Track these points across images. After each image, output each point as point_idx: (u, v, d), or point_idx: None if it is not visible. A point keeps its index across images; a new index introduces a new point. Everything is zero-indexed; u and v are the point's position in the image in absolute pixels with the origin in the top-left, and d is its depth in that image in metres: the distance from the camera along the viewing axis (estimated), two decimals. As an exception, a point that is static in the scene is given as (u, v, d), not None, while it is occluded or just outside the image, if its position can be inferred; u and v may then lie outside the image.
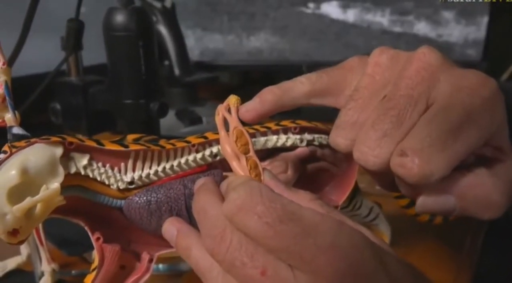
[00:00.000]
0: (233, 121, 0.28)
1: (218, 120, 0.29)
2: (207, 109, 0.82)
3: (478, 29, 0.91)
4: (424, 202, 0.25)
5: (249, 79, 1.18)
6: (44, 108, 0.57)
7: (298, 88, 0.29)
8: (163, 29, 0.79)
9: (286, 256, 0.21)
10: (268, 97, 0.29)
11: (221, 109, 0.29)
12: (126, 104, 0.46)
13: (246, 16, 0.94)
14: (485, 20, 0.91)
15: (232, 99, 0.29)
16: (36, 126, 0.36)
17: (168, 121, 0.64)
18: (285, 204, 0.22)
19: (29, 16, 0.41)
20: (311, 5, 0.94)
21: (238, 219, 0.22)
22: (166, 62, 0.83)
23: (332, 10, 0.94)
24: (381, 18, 0.93)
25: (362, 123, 0.26)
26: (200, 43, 0.97)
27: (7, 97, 0.30)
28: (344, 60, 0.83)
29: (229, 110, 0.29)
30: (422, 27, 0.92)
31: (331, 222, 0.22)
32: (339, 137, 0.26)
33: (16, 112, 0.31)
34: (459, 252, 0.48)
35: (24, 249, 0.41)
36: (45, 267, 0.39)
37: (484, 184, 0.25)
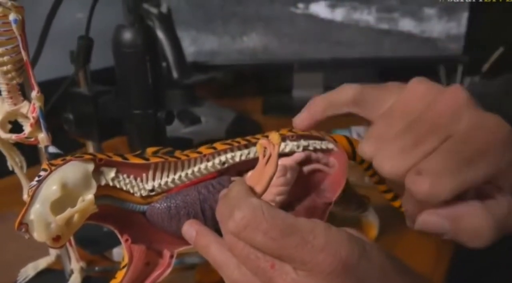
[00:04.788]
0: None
1: (260, 151, 0.33)
2: (205, 109, 0.86)
3: (459, 25, 0.96)
4: (423, 220, 0.29)
5: (243, 77, 1.22)
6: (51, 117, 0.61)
7: (343, 95, 0.32)
8: (160, 34, 0.83)
9: (289, 260, 0.26)
10: (317, 106, 0.33)
11: (267, 144, 0.33)
12: (135, 114, 0.51)
13: (239, 18, 0.98)
14: (465, 16, 0.95)
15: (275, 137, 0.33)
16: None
17: (170, 123, 0.69)
18: (284, 218, 0.26)
19: (45, 29, 0.45)
20: (300, 5, 0.98)
21: (245, 235, 0.26)
22: (164, 64, 0.86)
23: (320, 10, 0.98)
24: (368, 16, 0.97)
25: (388, 136, 0.29)
26: (195, 44, 1.00)
27: (41, 120, 0.34)
28: (331, 58, 0.91)
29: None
30: (406, 24, 0.97)
31: (321, 225, 0.26)
32: (366, 146, 0.29)
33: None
34: (439, 239, 0.53)
35: (53, 250, 0.46)
36: (74, 266, 0.44)
37: (477, 216, 0.28)
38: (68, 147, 0.38)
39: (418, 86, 0.30)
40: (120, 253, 0.50)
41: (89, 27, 0.50)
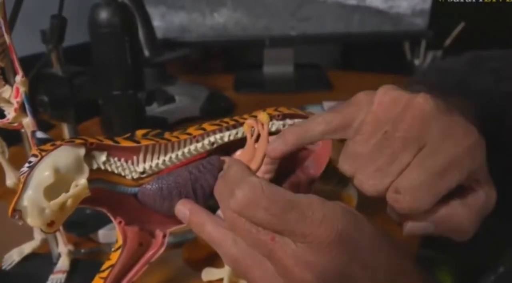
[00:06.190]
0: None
1: (248, 131, 0.35)
2: (178, 88, 0.85)
3: (424, 1, 0.99)
4: (411, 227, 0.31)
5: (213, 54, 1.21)
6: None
7: (315, 128, 0.33)
8: (129, 11, 0.80)
9: (288, 234, 0.27)
10: (290, 138, 0.33)
11: (254, 124, 0.35)
12: (115, 95, 0.50)
13: (209, -7, 0.97)
14: (430, -8, 0.98)
15: (264, 117, 0.34)
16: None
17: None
18: (283, 194, 0.27)
19: (16, 6, 0.44)
20: (271, -19, 0.97)
21: (246, 212, 0.27)
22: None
23: (290, -15, 0.97)
24: (337, -8, 0.98)
25: (364, 154, 0.30)
26: (165, 20, 0.98)
27: (27, 105, 0.34)
28: (301, 34, 0.94)
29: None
30: (374, 0, 0.99)
31: (318, 200, 0.28)
32: (345, 165, 0.31)
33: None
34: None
35: (37, 234, 0.45)
36: (62, 249, 0.43)
37: (457, 214, 0.30)
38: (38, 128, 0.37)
39: (385, 98, 0.31)
40: (105, 234, 0.50)
41: (62, 5, 0.48)
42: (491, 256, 0.59)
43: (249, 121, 0.36)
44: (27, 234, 0.46)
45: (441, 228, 0.31)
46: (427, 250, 0.67)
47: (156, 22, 0.96)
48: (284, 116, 0.41)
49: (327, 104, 0.91)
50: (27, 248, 0.46)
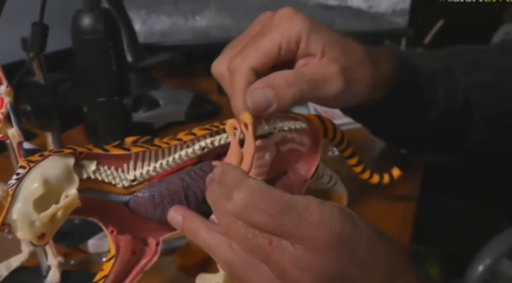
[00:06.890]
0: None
1: (230, 132, 0.35)
2: (162, 92, 0.85)
3: (403, 0, 1.00)
4: (253, 95, 0.37)
5: (196, 57, 1.20)
6: None
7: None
8: (110, 16, 0.79)
9: (286, 236, 0.27)
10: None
11: (236, 125, 0.35)
12: (100, 102, 0.49)
13: (190, -3, 0.96)
14: (409, -9, 0.99)
15: (247, 117, 0.35)
16: None
17: (128, 108, 0.67)
18: (281, 196, 0.27)
19: None
20: (252, -17, 0.97)
21: (244, 215, 0.27)
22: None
23: (272, -13, 0.97)
24: (318, -7, 0.99)
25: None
26: (146, 25, 0.97)
27: (12, 116, 0.33)
28: None
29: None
30: (355, 0, 1.00)
31: (315, 201, 0.28)
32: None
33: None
34: (402, 203, 0.58)
35: (25, 247, 0.44)
36: (52, 261, 0.42)
37: (285, 73, 0.36)
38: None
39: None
40: (95, 244, 0.50)
41: (43, 12, 0.47)
42: (478, 249, 0.60)
43: (231, 122, 0.35)
44: (15, 246, 0.45)
45: (276, 92, 0.36)
46: (416, 245, 0.69)
47: (138, 27, 0.95)
48: (274, 119, 0.41)
49: (312, 104, 0.92)
50: (15, 261, 0.44)
